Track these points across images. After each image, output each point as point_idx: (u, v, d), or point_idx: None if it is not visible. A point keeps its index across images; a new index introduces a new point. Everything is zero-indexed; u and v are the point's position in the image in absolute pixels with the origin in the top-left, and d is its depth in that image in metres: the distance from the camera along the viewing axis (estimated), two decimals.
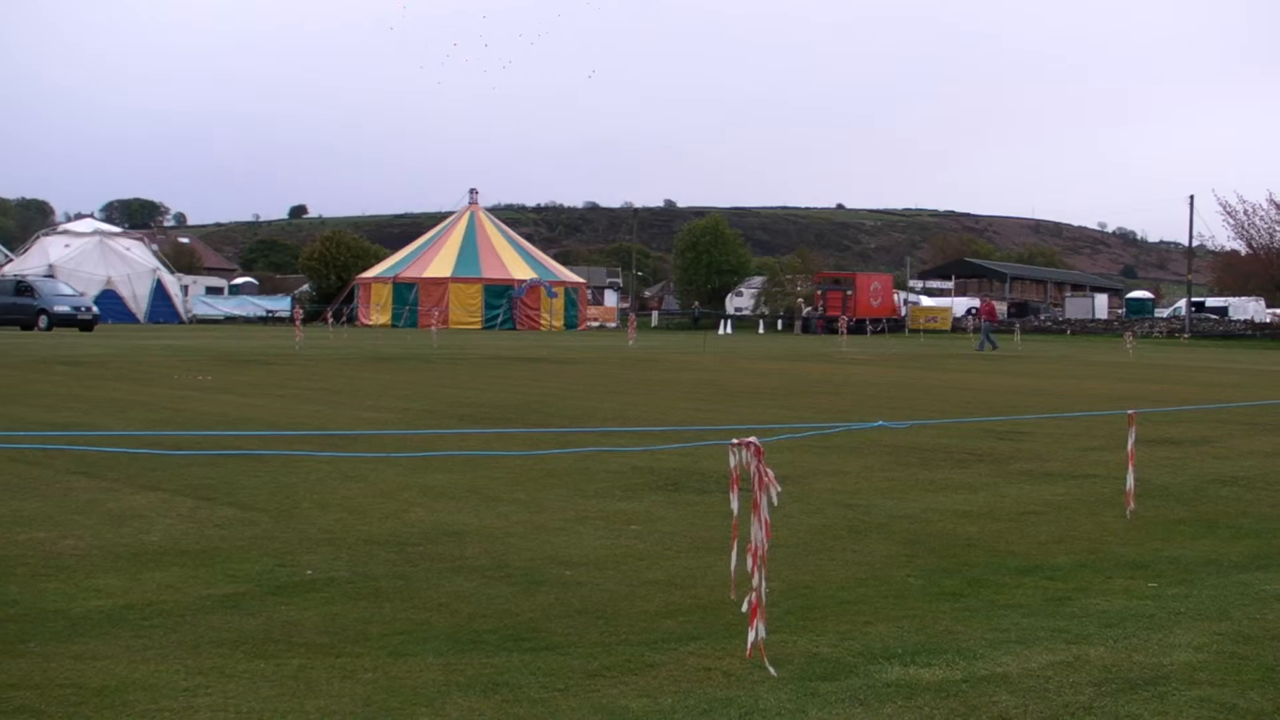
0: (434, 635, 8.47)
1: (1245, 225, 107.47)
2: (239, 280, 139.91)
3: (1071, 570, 10.95)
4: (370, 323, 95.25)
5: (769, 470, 7.86)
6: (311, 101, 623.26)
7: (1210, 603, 9.79)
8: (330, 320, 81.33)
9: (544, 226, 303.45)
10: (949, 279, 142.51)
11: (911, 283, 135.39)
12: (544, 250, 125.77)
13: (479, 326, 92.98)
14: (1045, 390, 34.62)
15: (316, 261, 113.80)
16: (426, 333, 69.31)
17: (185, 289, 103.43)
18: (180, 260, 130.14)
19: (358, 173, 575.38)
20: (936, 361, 51.91)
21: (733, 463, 8.17)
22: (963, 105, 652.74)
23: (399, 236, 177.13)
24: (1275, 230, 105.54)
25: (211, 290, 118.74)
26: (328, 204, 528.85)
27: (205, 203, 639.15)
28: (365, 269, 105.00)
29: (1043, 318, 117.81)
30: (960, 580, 10.44)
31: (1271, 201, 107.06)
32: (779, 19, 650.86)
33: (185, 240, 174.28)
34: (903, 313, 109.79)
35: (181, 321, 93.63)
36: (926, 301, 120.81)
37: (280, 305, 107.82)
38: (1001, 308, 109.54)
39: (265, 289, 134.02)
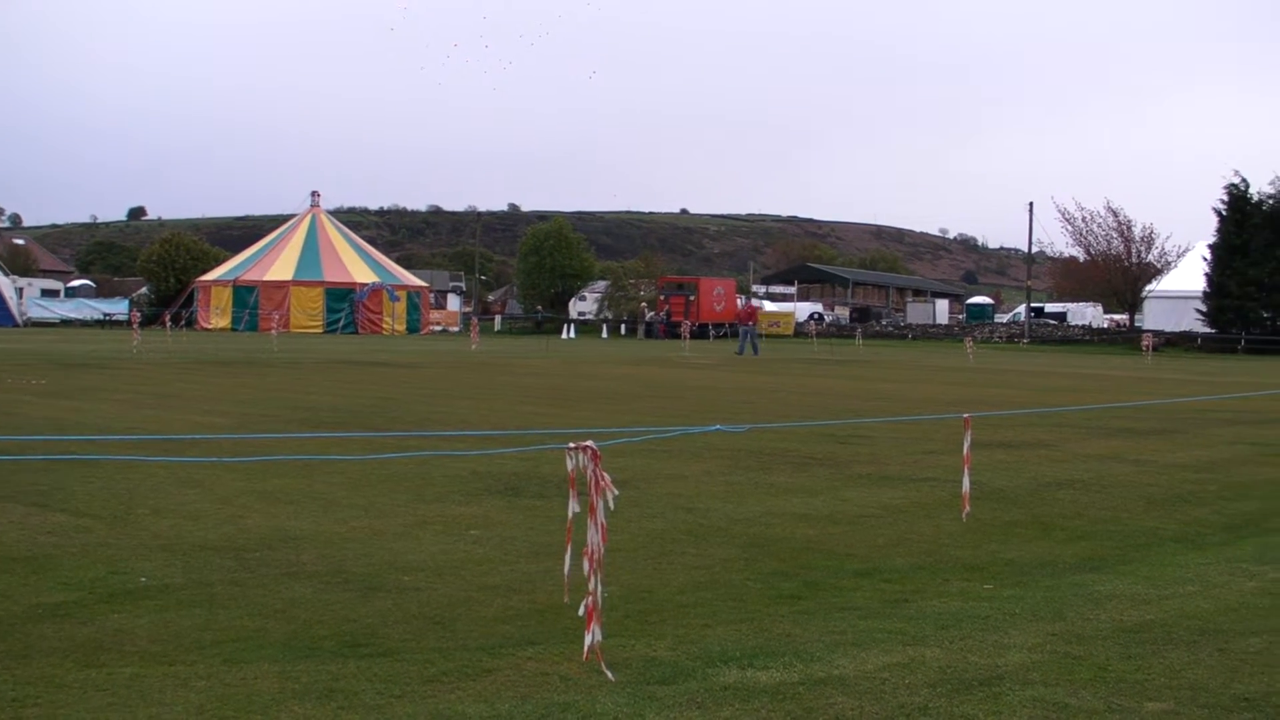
0: (270, 642, 8.39)
1: (1083, 232, 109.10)
2: (76, 283, 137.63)
3: (909, 572, 11.04)
4: (210, 326, 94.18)
5: (605, 474, 7.86)
6: (150, 100, 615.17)
7: (1044, 604, 9.92)
8: (169, 324, 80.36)
9: (387, 230, 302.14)
10: (792, 284, 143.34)
11: (755, 287, 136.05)
12: (386, 253, 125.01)
13: (320, 330, 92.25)
14: (885, 394, 34.90)
15: (155, 264, 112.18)
16: (267, 336, 68.76)
17: (20, 291, 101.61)
18: (15, 262, 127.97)
19: (197, 174, 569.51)
20: (779, 366, 52.17)
21: (570, 467, 8.16)
22: (805, 111, 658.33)
23: (239, 239, 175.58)
24: (1112, 237, 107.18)
25: (47, 293, 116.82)
26: (167, 206, 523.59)
27: (41, 203, 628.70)
28: (205, 272, 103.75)
29: (884, 323, 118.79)
30: (798, 583, 10.49)
31: (1109, 209, 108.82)
32: (622, 24, 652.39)
33: (20, 241, 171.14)
34: None
35: (16, 324, 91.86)
36: (769, 306, 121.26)
37: (118, 308, 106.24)
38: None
39: (103, 292, 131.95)
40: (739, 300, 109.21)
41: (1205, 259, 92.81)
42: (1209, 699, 7.60)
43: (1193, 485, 17.19)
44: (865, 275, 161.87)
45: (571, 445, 8.11)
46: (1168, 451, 21.10)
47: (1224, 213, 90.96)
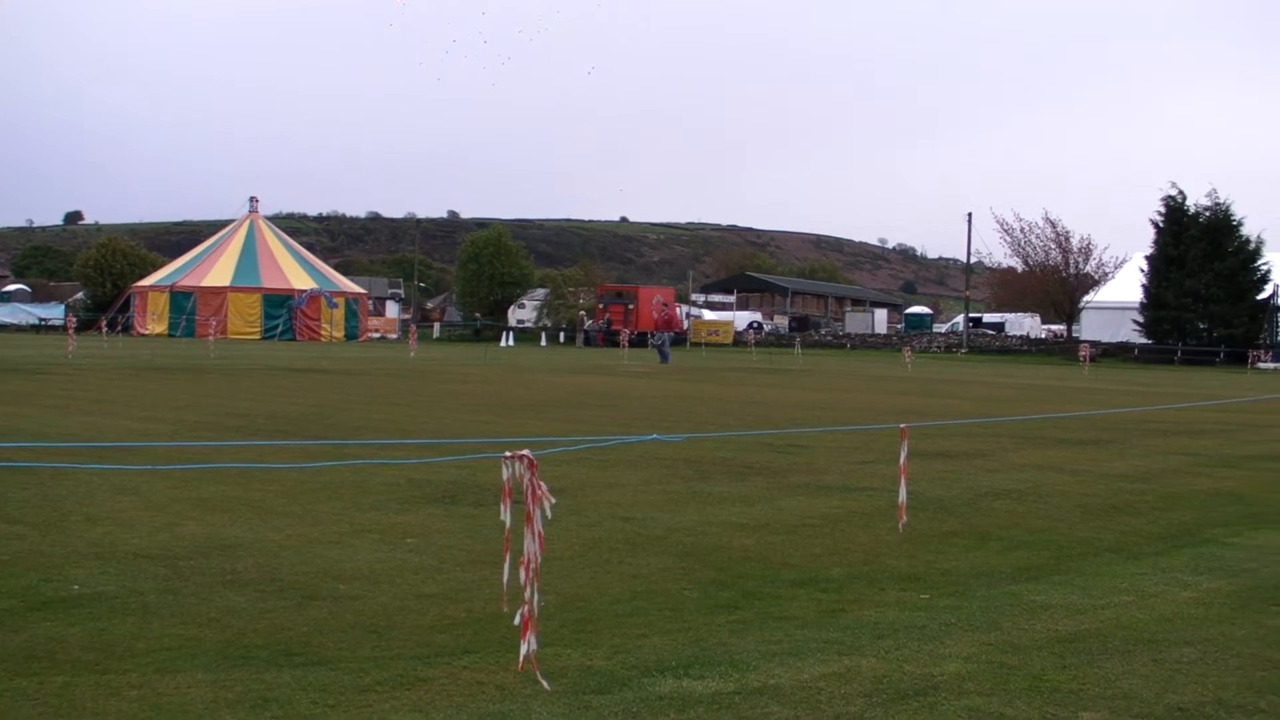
0: (203, 651, 8.33)
1: (1021, 243, 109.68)
2: (11, 287, 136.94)
3: (845, 582, 11.05)
4: (146, 332, 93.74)
5: (541, 483, 7.84)
6: (88, 104, 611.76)
7: (980, 614, 9.94)
8: (105, 329, 79.98)
9: (326, 236, 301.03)
10: (731, 293, 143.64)
11: (694, 296, 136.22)
12: (325, 260, 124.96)
13: (258, 337, 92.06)
14: (823, 404, 34.98)
15: (92, 269, 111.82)
16: (204, 342, 68.46)
17: None
18: None
19: (135, 178, 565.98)
20: (718, 375, 52.26)
21: (506, 475, 8.14)
22: (746, 120, 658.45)
23: (177, 244, 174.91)
24: (1050, 248, 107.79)
25: None
26: (104, 210, 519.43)
27: None
28: (142, 277, 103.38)
29: (823, 332, 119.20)
30: (735, 593, 10.48)
31: (1047, 220, 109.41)
32: (563, 28, 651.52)
33: None
34: (685, 326, 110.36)
35: None
36: (709, 315, 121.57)
37: (54, 313, 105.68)
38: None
39: (38, 296, 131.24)
40: (676, 309, 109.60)
41: (1142, 270, 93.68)
42: (1143, 709, 7.63)
43: (1129, 495, 17.28)
44: (804, 285, 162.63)
45: (508, 454, 8.08)
46: (1104, 462, 21.20)
47: (1161, 225, 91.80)
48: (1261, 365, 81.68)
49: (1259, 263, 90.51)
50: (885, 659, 8.54)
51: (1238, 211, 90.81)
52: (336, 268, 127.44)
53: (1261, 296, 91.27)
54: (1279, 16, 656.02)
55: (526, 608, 7.86)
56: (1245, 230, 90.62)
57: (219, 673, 7.84)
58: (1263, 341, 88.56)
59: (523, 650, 7.89)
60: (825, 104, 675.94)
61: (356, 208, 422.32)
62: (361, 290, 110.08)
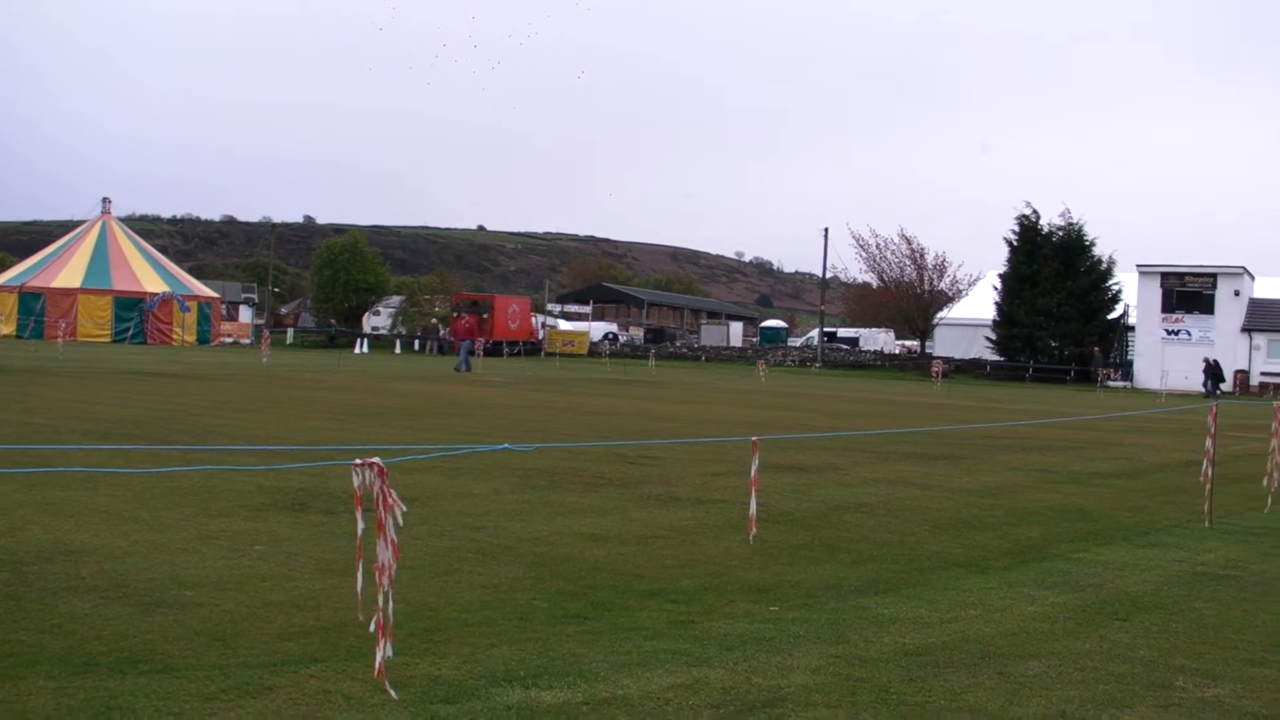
0: (45, 658, 8.21)
1: (877, 259, 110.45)
2: None
3: (695, 594, 11.08)
4: None
5: (392, 491, 7.80)
6: None
7: (829, 626, 10.01)
8: None
9: (179, 239, 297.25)
10: (587, 303, 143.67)
11: (550, 306, 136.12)
12: (178, 263, 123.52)
13: (108, 339, 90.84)
14: (677, 416, 35.04)
15: None
16: (53, 344, 67.56)
17: None
18: None
19: None
20: (572, 385, 52.24)
21: (356, 483, 8.08)
22: (603, 130, 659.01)
23: (27, 244, 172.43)
24: (905, 264, 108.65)
25: None
26: None
27: None
28: None
29: (678, 344, 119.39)
30: (585, 603, 10.49)
31: (903, 236, 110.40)
32: (420, 33, 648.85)
33: None
34: (540, 336, 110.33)
35: None
36: (564, 325, 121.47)
37: None
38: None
39: None
40: (533, 319, 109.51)
41: (996, 288, 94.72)
42: None
43: (978, 510, 17.47)
44: (660, 296, 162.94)
45: (358, 461, 8.03)
46: (954, 477, 21.41)
47: (1015, 243, 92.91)
48: (1110, 383, 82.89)
49: (1110, 282, 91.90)
50: (733, 670, 8.58)
51: (1090, 232, 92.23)
52: (190, 271, 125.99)
53: (1112, 316, 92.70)
54: (1129, 43, 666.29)
55: (379, 615, 7.82)
56: (1097, 250, 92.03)
57: (61, 680, 7.74)
58: (1112, 360, 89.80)
59: (378, 657, 7.83)
60: (680, 116, 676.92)
61: (211, 211, 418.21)
62: (215, 294, 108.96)
